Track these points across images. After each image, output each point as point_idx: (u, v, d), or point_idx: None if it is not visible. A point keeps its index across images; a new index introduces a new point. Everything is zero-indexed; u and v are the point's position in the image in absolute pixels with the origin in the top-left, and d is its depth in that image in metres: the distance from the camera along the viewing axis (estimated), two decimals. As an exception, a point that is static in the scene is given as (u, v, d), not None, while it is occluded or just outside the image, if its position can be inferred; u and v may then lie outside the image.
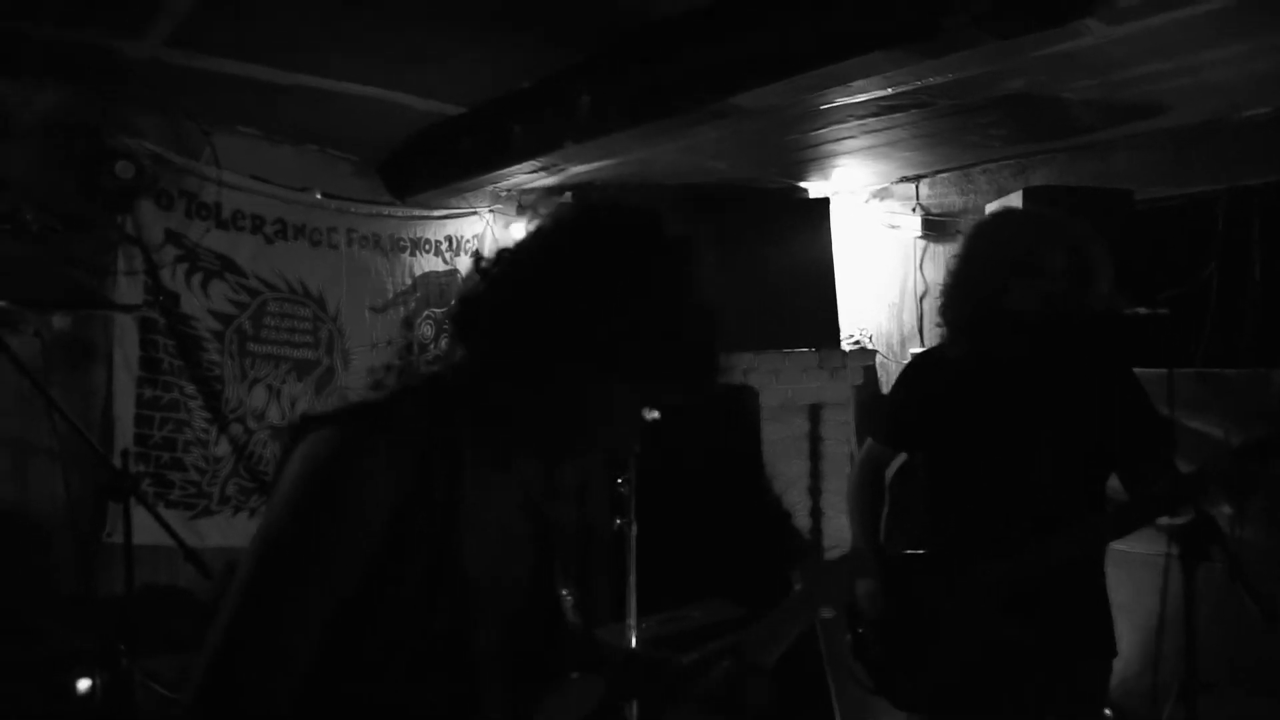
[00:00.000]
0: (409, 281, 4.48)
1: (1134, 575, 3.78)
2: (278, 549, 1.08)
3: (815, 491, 4.88)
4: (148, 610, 2.76)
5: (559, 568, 1.35)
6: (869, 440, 2.47)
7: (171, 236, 3.77)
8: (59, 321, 3.47)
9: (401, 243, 4.51)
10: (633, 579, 3.20)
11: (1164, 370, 2.63)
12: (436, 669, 1.15)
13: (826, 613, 4.16)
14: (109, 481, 2.65)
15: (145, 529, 3.08)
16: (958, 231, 4.47)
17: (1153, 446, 2.17)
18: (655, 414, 1.25)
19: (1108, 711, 3.66)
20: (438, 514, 1.14)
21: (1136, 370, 2.25)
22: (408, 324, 4.48)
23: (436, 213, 4.54)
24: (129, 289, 3.67)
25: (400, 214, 4.49)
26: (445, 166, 4.06)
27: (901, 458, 2.45)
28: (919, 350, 4.62)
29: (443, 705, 1.16)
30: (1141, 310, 2.04)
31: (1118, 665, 2.28)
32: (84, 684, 2.23)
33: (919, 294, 4.86)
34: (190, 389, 3.86)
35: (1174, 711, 3.29)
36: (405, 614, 1.12)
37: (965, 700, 2.15)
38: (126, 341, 3.69)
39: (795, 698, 4.11)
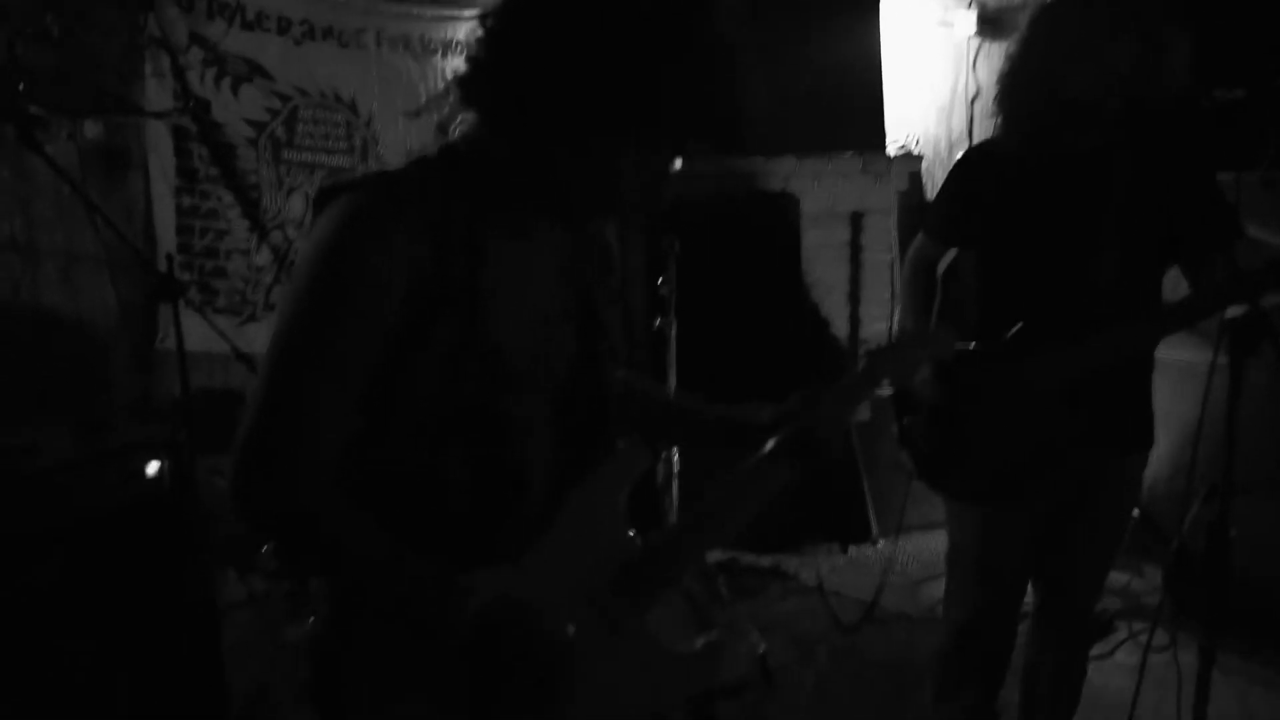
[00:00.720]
0: (442, 85, 4.34)
1: (1174, 382, 3.78)
2: (300, 312, 1.09)
3: (855, 299, 4.86)
4: (203, 412, 2.85)
5: (603, 336, 1.35)
6: (920, 235, 2.41)
7: (196, 39, 3.66)
8: (91, 130, 3.43)
9: (432, 44, 4.33)
10: (672, 378, 3.26)
11: (1231, 174, 2.51)
12: (472, 438, 1.17)
13: (862, 413, 4.22)
14: (158, 285, 2.68)
15: (195, 335, 3.15)
16: (1015, 30, 4.20)
17: (1219, 235, 2.10)
18: (679, 165, 1.20)
19: (1135, 510, 3.77)
20: (458, 284, 1.14)
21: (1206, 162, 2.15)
22: (442, 130, 4.37)
23: (467, 12, 4.34)
24: (158, 94, 3.60)
25: (430, 13, 4.29)
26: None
27: (952, 253, 2.39)
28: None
29: (484, 474, 1.18)
30: (1218, 95, 1.90)
31: (1148, 471, 2.32)
32: (152, 467, 2.35)
33: (970, 96, 4.65)
34: (228, 197, 3.86)
35: (1200, 513, 3.36)
36: (434, 382, 1.13)
37: (1008, 487, 2.20)
38: (161, 149, 3.66)
39: (830, 499, 4.26)
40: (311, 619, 1.25)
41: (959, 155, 2.42)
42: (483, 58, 1.15)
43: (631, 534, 1.29)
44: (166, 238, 3.69)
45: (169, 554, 2.42)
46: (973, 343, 2.23)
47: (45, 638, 1.73)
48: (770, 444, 1.35)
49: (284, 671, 3.09)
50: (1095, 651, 3.23)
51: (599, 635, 1.22)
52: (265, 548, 3.09)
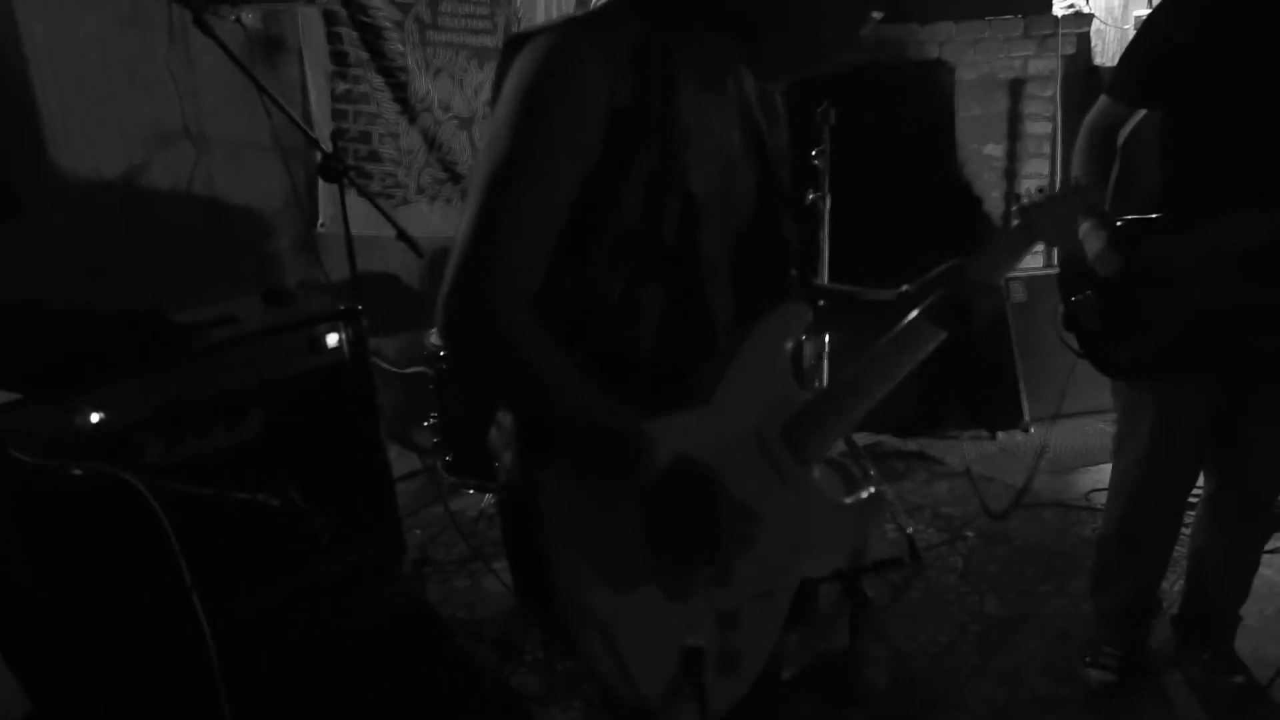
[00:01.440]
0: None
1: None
2: (508, 142, 1.10)
3: (1011, 174, 4.61)
4: (364, 295, 2.99)
5: (779, 187, 1.35)
6: (1101, 98, 2.24)
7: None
8: (250, 18, 3.51)
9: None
10: (826, 255, 3.20)
11: None
12: (665, 275, 1.19)
13: (1018, 295, 4.04)
14: (323, 165, 2.77)
15: (355, 218, 3.27)
16: None
17: None
18: (879, 14, 1.17)
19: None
20: (656, 118, 1.15)
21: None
22: (584, 3, 4.29)
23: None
24: (308, -22, 3.64)
25: (570, -117, 4.17)
26: None
27: (1137, 118, 2.22)
28: (1143, 14, 4.09)
29: (672, 309, 1.21)
30: None
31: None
32: (333, 338, 2.49)
33: (1153, -56, 4.22)
34: (378, 81, 3.91)
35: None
36: (633, 217, 1.16)
37: (1185, 365, 2.10)
38: (314, 35, 3.72)
39: (981, 383, 4.16)
40: (497, 472, 1.30)
41: (1133, 17, 2.21)
42: None
43: (796, 386, 1.33)
44: (323, 123, 3.78)
45: (349, 419, 2.58)
46: (1153, 214, 2.10)
47: (253, 489, 1.90)
48: (922, 305, 1.34)
49: (444, 540, 3.31)
50: (1270, 546, 3.10)
51: (770, 484, 1.27)
52: (426, 421, 3.25)
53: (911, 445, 4.05)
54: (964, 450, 3.96)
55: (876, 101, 4.26)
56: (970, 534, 3.32)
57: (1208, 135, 2.04)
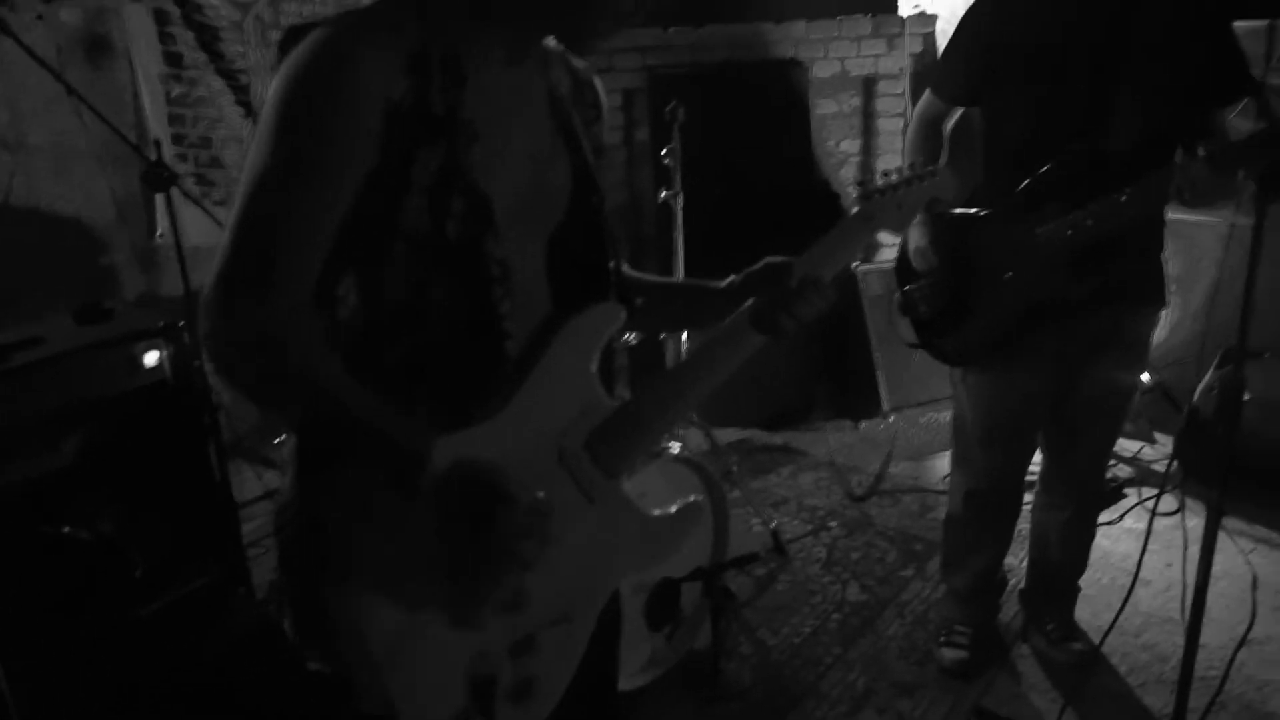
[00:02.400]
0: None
1: (1184, 245, 3.70)
2: (272, 143, 1.03)
3: (866, 169, 4.73)
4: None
5: (594, 184, 1.29)
6: (926, 94, 2.30)
7: (169, -86, 3.49)
8: (67, 15, 3.30)
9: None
10: (681, 251, 3.19)
11: (1264, 23, 2.36)
12: (453, 278, 1.13)
13: (874, 287, 4.13)
14: (147, 173, 2.62)
15: (196, 228, 3.11)
16: None
17: (1236, 89, 2.00)
18: None
19: (1145, 377, 3.74)
20: (439, 117, 1.09)
21: (1237, 24, 2.03)
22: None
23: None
24: (135, -25, 3.45)
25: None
26: None
27: (958, 114, 2.30)
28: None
29: (461, 313, 1.14)
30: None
31: (1162, 335, 2.27)
32: (152, 357, 2.35)
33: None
34: (218, 83, 3.75)
35: (1213, 379, 3.34)
36: (417, 221, 1.09)
37: (1009, 351, 2.18)
38: (144, 35, 3.53)
39: (841, 374, 4.25)
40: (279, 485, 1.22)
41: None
42: None
43: (604, 393, 1.25)
44: (159, 128, 3.60)
45: (180, 445, 2.44)
46: (975, 207, 2.17)
47: (62, 521, 1.77)
48: (748, 305, 1.30)
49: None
50: (1104, 518, 3.26)
51: (571, 500, 1.21)
52: (279, 440, 3.12)
53: (778, 439, 4.10)
54: (828, 441, 4.05)
55: (734, 99, 4.31)
56: (834, 524, 3.38)
57: (1022, 133, 2.11)
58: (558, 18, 1.14)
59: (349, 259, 1.10)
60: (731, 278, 1.38)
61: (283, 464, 1.20)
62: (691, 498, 1.34)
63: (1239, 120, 2.10)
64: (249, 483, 3.37)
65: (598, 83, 1.37)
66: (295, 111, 1.03)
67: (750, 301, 1.31)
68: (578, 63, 1.33)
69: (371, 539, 1.10)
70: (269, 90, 1.06)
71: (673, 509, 1.31)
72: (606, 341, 1.26)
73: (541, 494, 1.09)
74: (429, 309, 1.13)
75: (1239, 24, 2.06)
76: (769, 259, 1.36)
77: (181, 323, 2.41)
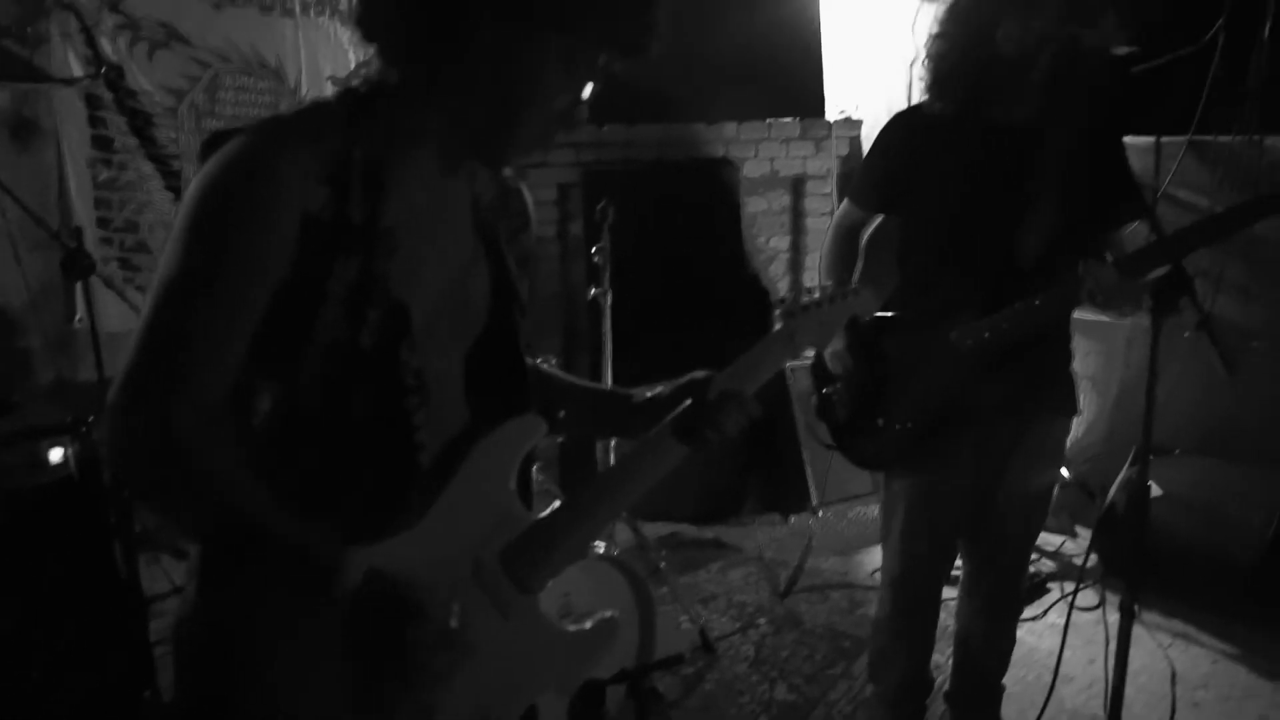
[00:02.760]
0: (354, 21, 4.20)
1: (1100, 345, 3.86)
2: (184, 252, 1.02)
3: (796, 266, 4.86)
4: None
5: (516, 295, 1.29)
6: (844, 202, 2.38)
7: (107, 2, 3.49)
8: (-5, 98, 3.27)
9: (360, 7, 4.20)
10: (609, 347, 3.21)
11: (1152, 139, 2.52)
12: (367, 388, 1.12)
13: (802, 383, 4.17)
14: (66, 261, 2.57)
15: (118, 314, 3.05)
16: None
17: (1129, 213, 2.12)
18: (589, 91, 1.15)
19: (1065, 473, 3.84)
20: (357, 228, 1.09)
21: (1126, 140, 2.15)
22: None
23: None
24: (67, 60, 3.43)
25: (357, -26, 4.15)
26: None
27: (876, 221, 2.38)
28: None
29: (374, 424, 1.13)
30: (1136, 51, 1.87)
31: (1078, 432, 2.34)
32: (56, 454, 2.27)
33: (910, 60, 4.62)
34: (148, 168, 3.71)
35: (1128, 474, 3.43)
36: (332, 330, 1.08)
37: (925, 457, 2.21)
38: (73, 118, 3.50)
39: (771, 469, 4.27)
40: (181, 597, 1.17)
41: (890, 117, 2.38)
42: None
43: (522, 507, 1.24)
44: (83, 212, 3.54)
45: (86, 542, 2.34)
46: (891, 312, 2.23)
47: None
48: (670, 418, 1.30)
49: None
50: (1029, 614, 3.29)
51: (485, 612, 1.18)
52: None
53: (708, 533, 4.09)
54: (758, 536, 4.04)
55: (667, 196, 4.41)
56: (762, 620, 3.35)
57: (936, 242, 2.19)
58: (479, 141, 1.16)
59: (262, 364, 1.09)
60: (658, 388, 1.40)
61: (187, 573, 1.16)
62: (608, 613, 1.32)
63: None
64: (160, 577, 3.23)
65: (525, 192, 1.39)
66: (208, 221, 1.03)
67: (674, 413, 1.31)
68: (505, 171, 1.34)
69: (278, 652, 1.07)
70: (188, 193, 1.06)
71: (588, 625, 1.29)
72: (526, 454, 1.26)
73: (455, 609, 1.07)
74: (343, 417, 1.12)
75: (1128, 140, 2.18)
76: (693, 374, 1.38)
77: (90, 418, 2.33)
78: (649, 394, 1.40)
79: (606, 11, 1.09)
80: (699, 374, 1.37)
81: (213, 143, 1.08)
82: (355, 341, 1.09)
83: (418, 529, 1.14)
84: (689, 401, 1.32)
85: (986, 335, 2.07)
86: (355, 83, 1.16)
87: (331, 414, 1.11)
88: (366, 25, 1.13)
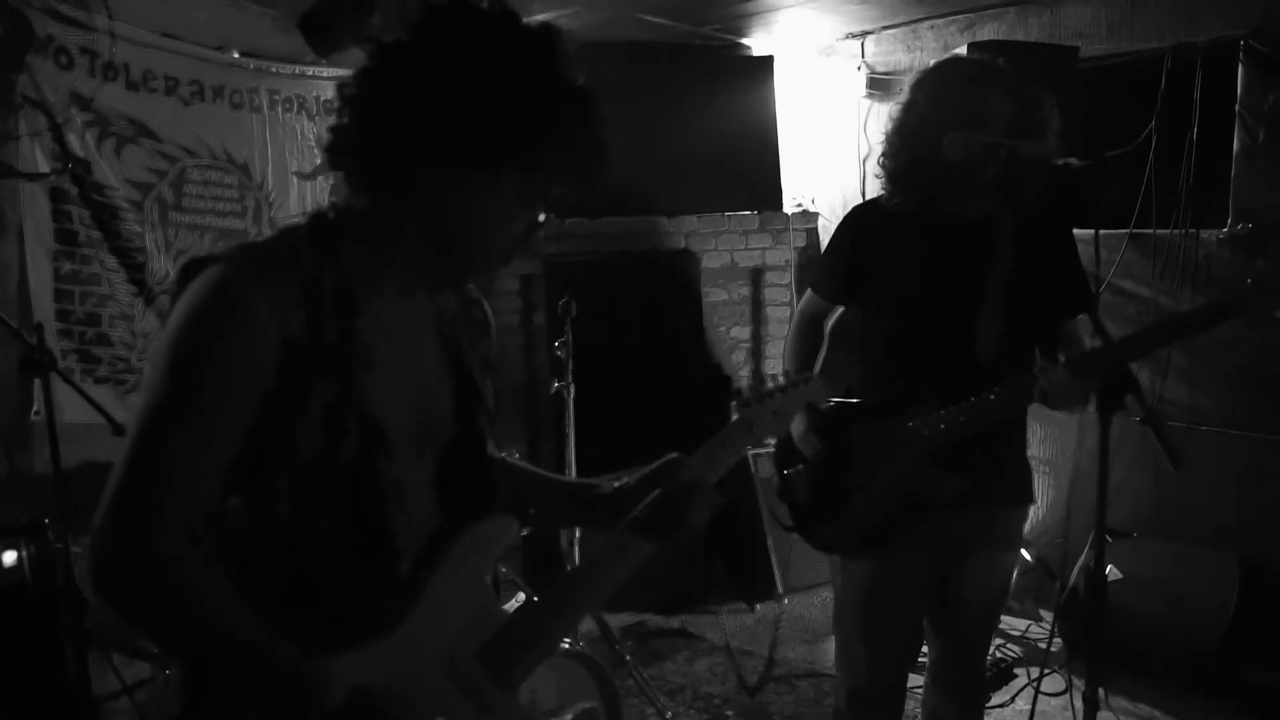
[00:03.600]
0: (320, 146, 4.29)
1: (1056, 430, 3.94)
2: (167, 381, 1.06)
3: (757, 355, 4.93)
4: (84, 487, 2.71)
5: (480, 401, 1.34)
6: (808, 292, 2.45)
7: (76, 99, 3.54)
8: (-40, 192, 3.28)
9: (329, 104, 4.30)
10: (572, 440, 3.24)
11: (1092, 231, 2.64)
12: (345, 501, 1.15)
13: (765, 470, 4.18)
14: (25, 357, 2.55)
15: (76, 406, 3.01)
16: (901, 90, 4.38)
17: (1076, 306, 2.20)
18: (543, 217, 1.23)
19: (1027, 556, 3.87)
20: (332, 348, 1.13)
21: (1073, 231, 2.26)
22: (338, 191, 4.31)
23: (362, 72, 4.32)
24: (34, 155, 3.46)
25: (326, 73, 4.27)
26: (370, 21, 3.83)
27: (838, 311, 2.45)
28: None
29: (358, 540, 1.16)
30: (1073, 161, 2.00)
31: (1038, 515, 2.38)
32: (9, 557, 2.23)
33: (863, 156, 4.80)
34: (111, 261, 3.72)
35: (1087, 558, 3.47)
36: (310, 446, 1.12)
37: (885, 543, 2.23)
38: (37, 212, 3.51)
39: (736, 557, 4.26)
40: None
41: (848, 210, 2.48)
42: (346, 121, 1.17)
43: (497, 605, 1.28)
44: (43, 305, 3.52)
45: (37, 643, 2.28)
46: (854, 399, 2.28)
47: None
48: (629, 517, 1.34)
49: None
50: (996, 700, 3.28)
51: (466, 712, 1.20)
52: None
53: (674, 623, 4.04)
54: (724, 624, 4.01)
55: (629, 286, 4.49)
56: (730, 713, 3.31)
57: (897, 332, 2.26)
58: (440, 265, 1.23)
59: (242, 481, 1.12)
60: (624, 478, 1.43)
61: (170, 693, 1.16)
62: (587, 704, 1.34)
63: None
64: (110, 676, 3.12)
65: (485, 303, 1.45)
66: (190, 352, 1.07)
67: (638, 508, 1.34)
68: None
69: None
70: (168, 323, 1.09)
71: (569, 717, 1.30)
72: (499, 555, 1.29)
73: (437, 714, 1.10)
74: (322, 528, 1.15)
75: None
76: (664, 458, 1.41)
77: (46, 520, 2.29)
78: (616, 484, 1.43)
79: (562, 150, 1.15)
80: (670, 456, 1.41)
81: (190, 270, 1.12)
82: (335, 455, 1.13)
83: (397, 635, 1.16)
84: (655, 493, 1.34)
85: (943, 427, 2.12)
86: (324, 207, 1.23)
87: (310, 525, 1.14)
88: (334, 155, 1.19)
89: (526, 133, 1.12)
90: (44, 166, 3.47)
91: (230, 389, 1.07)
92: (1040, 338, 2.19)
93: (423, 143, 1.12)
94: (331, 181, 4.28)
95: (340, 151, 1.18)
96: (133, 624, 1.05)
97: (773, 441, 2.41)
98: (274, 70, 4.13)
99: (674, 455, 1.41)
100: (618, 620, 3.75)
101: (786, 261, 4.90)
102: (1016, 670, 3.54)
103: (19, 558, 2.23)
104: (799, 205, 4.96)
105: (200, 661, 1.10)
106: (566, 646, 2.38)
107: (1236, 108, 3.55)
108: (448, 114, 1.11)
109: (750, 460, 4.24)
